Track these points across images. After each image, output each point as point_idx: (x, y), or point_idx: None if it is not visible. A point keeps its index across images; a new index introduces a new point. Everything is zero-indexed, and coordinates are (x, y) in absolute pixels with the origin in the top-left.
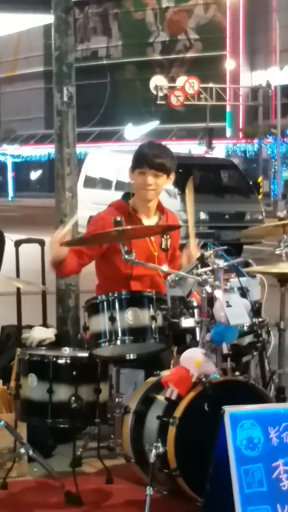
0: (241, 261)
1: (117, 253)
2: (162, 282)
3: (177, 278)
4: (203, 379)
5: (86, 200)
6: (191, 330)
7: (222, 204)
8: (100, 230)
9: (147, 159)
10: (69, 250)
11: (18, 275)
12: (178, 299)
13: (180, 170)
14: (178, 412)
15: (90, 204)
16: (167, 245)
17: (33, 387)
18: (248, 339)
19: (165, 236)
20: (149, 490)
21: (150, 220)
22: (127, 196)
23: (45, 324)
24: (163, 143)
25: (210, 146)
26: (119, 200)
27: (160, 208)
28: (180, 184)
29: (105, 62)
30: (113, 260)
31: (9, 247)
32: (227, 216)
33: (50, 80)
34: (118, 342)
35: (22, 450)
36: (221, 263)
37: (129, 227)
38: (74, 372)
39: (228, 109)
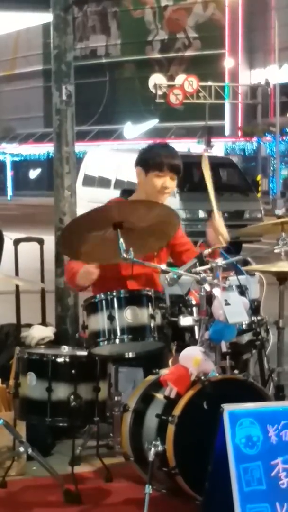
0: (240, 259)
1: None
2: (159, 280)
3: (175, 276)
4: (202, 378)
5: (85, 198)
6: (190, 329)
7: (221, 202)
8: None
9: (167, 162)
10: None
11: (17, 274)
12: (177, 298)
13: None
14: (177, 411)
15: (89, 203)
16: None
17: (32, 385)
18: (247, 337)
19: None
20: (148, 489)
21: None
22: (125, 194)
23: (44, 323)
24: (162, 141)
25: (209, 145)
26: (118, 198)
27: None
28: (179, 182)
29: (104, 60)
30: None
31: (8, 245)
32: (226, 215)
33: (49, 78)
34: (117, 340)
35: (21, 449)
36: (220, 261)
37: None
38: (73, 371)
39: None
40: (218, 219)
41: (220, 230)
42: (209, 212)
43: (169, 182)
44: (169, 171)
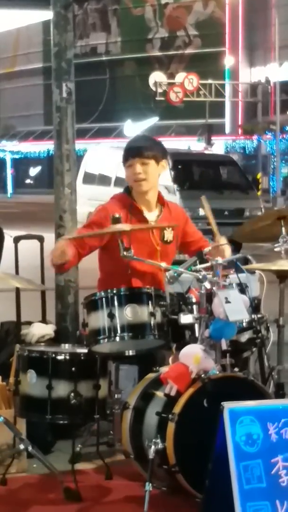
0: (240, 257)
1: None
2: (163, 280)
3: (175, 274)
4: (202, 375)
5: (85, 196)
6: (190, 326)
7: (221, 200)
8: (102, 220)
9: (129, 149)
10: (69, 243)
11: (17, 271)
12: (177, 295)
13: (179, 166)
14: (177, 408)
15: (89, 200)
16: (170, 236)
17: (32, 383)
18: (247, 335)
19: (166, 228)
20: (149, 486)
21: (151, 213)
22: (128, 190)
23: (44, 321)
24: (162, 139)
25: (209, 143)
26: (122, 193)
27: (161, 201)
28: (179, 180)
29: (104, 58)
30: (116, 254)
31: (8, 243)
32: (226, 213)
33: (49, 76)
34: (117, 338)
35: (22, 446)
36: (220, 259)
37: (127, 228)
38: (73, 368)
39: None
40: (223, 242)
41: (224, 253)
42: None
43: (139, 168)
44: (133, 157)
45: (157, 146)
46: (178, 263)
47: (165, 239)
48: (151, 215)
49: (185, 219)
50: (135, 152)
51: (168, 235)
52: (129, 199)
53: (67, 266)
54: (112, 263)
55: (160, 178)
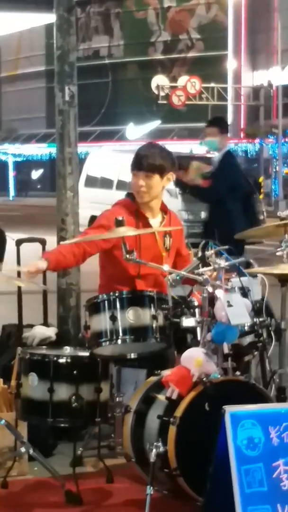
0: (242, 261)
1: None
2: (164, 281)
3: (178, 277)
4: (204, 379)
5: (87, 199)
6: (192, 330)
7: None
8: (110, 224)
9: (137, 161)
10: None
11: (19, 275)
12: (179, 299)
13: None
14: (178, 412)
15: (91, 204)
16: (169, 244)
17: (33, 386)
18: (249, 339)
19: (167, 235)
20: (150, 490)
21: (154, 220)
22: (132, 195)
23: (46, 323)
24: (164, 142)
25: None
26: (126, 199)
27: (163, 209)
28: (181, 184)
29: (106, 61)
30: (120, 259)
31: (10, 246)
32: None
33: (51, 79)
34: (119, 341)
35: (23, 449)
36: (222, 262)
37: (131, 233)
38: (74, 371)
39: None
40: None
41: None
42: None
43: (141, 182)
44: (138, 170)
45: (165, 158)
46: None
47: (165, 245)
48: (155, 221)
49: (181, 232)
50: (140, 165)
51: (168, 243)
52: (134, 205)
53: (66, 267)
54: (116, 268)
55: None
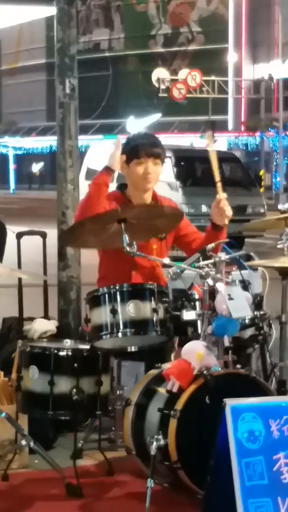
0: (243, 254)
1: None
2: (161, 273)
3: (178, 270)
4: (205, 372)
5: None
6: (193, 323)
7: None
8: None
9: (145, 148)
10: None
11: (19, 267)
12: (180, 292)
13: (182, 163)
14: (179, 405)
15: None
16: (163, 234)
17: (34, 379)
18: (249, 332)
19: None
20: (150, 483)
21: None
22: (122, 187)
23: (46, 316)
24: (165, 135)
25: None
26: (115, 191)
27: (155, 198)
28: (182, 177)
29: (107, 54)
30: (115, 253)
31: (10, 239)
32: None
33: (52, 72)
34: (120, 334)
35: (23, 442)
36: (223, 256)
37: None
38: (75, 364)
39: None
40: (223, 197)
41: (224, 208)
42: None
43: (151, 168)
44: (148, 157)
45: (164, 150)
46: (180, 259)
47: (158, 236)
48: None
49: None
50: (150, 153)
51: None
52: (125, 197)
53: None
54: (113, 260)
55: (162, 175)
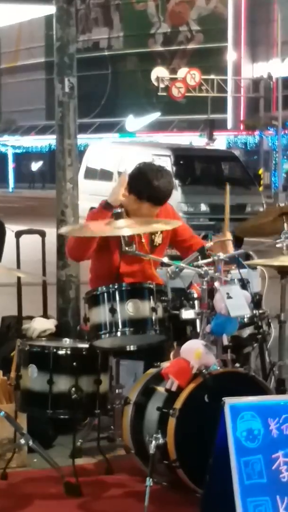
0: (242, 253)
1: (112, 248)
2: (155, 274)
3: (177, 269)
4: (204, 371)
5: (87, 191)
6: (192, 322)
7: (223, 196)
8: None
9: (159, 197)
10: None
11: (18, 266)
12: (179, 291)
13: (181, 162)
14: (178, 404)
15: (90, 196)
16: (159, 240)
17: (33, 378)
18: (248, 330)
19: (156, 233)
20: (149, 481)
21: None
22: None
23: (45, 315)
24: (164, 134)
25: (211, 138)
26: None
27: None
28: (181, 176)
29: (106, 53)
30: (105, 256)
31: (9, 238)
32: None
33: (51, 71)
34: (119, 333)
35: (22, 441)
36: (222, 254)
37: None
38: (74, 363)
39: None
40: (228, 237)
41: (227, 248)
42: (211, 206)
43: (155, 212)
44: (158, 205)
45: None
46: (178, 258)
47: (154, 243)
48: None
49: (174, 216)
50: (160, 202)
51: (157, 238)
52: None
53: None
54: (102, 267)
55: None
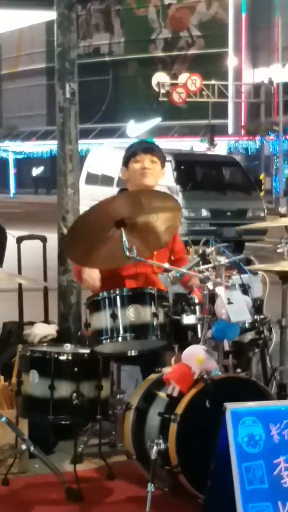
0: (243, 258)
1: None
2: (158, 279)
3: (178, 274)
4: (205, 376)
5: (88, 196)
6: (193, 327)
7: (224, 201)
8: None
9: (141, 146)
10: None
11: (20, 272)
12: (180, 296)
13: (182, 167)
14: (179, 409)
15: (91, 201)
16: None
17: (34, 383)
18: (249, 336)
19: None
20: (150, 487)
21: None
22: (122, 191)
23: (46, 321)
24: (165, 140)
25: (212, 143)
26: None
27: None
28: (182, 181)
29: (107, 58)
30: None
31: (11, 243)
32: (229, 213)
33: (52, 76)
34: (120, 339)
35: (24, 446)
36: (223, 260)
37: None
38: (75, 369)
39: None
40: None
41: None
42: (212, 211)
43: (148, 163)
44: (145, 154)
45: (160, 149)
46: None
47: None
48: None
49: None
50: (146, 149)
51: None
52: None
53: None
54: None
55: (162, 179)
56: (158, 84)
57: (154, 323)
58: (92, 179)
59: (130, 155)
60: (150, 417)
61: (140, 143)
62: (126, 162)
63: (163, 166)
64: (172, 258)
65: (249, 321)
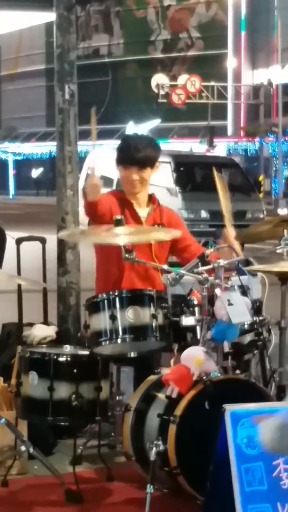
0: (242, 259)
1: (116, 249)
2: (158, 276)
3: (177, 276)
4: (204, 378)
5: None
6: (192, 329)
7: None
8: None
9: (130, 155)
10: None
11: (19, 273)
12: (179, 298)
13: (181, 169)
14: (178, 410)
15: None
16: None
17: (34, 384)
18: (249, 337)
19: (159, 225)
20: (150, 488)
21: (141, 209)
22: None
23: (46, 322)
24: (164, 141)
25: (211, 145)
26: (116, 190)
27: (153, 201)
28: (181, 182)
29: (106, 60)
30: (109, 256)
31: (10, 245)
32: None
33: (51, 78)
34: (119, 340)
35: (23, 448)
36: (222, 261)
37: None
38: (75, 370)
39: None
40: (231, 234)
41: (234, 246)
42: (211, 212)
43: (135, 175)
44: (131, 165)
45: (154, 149)
46: (178, 265)
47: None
48: (142, 211)
49: (177, 223)
50: (134, 160)
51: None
52: (120, 193)
53: (99, 206)
54: (104, 265)
55: (162, 180)
56: (158, 85)
57: (153, 324)
58: None
59: (119, 159)
60: (149, 418)
61: (130, 147)
62: (117, 162)
63: (156, 162)
64: (179, 247)
65: (249, 322)
